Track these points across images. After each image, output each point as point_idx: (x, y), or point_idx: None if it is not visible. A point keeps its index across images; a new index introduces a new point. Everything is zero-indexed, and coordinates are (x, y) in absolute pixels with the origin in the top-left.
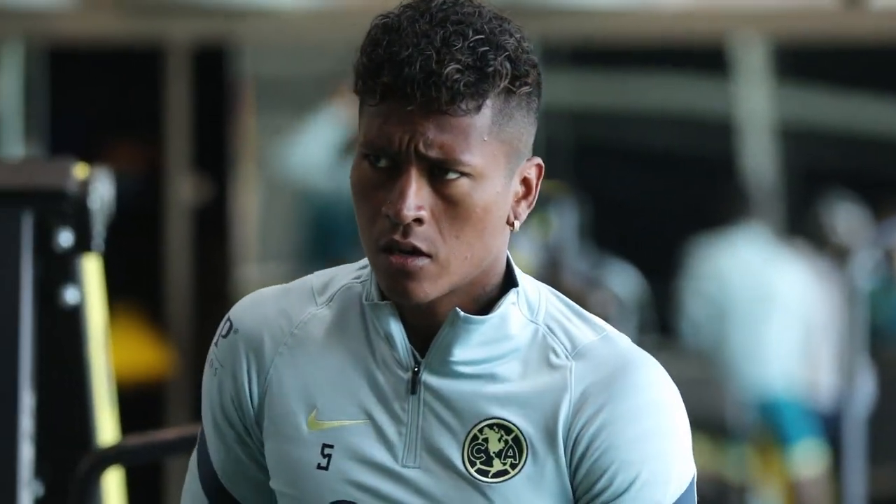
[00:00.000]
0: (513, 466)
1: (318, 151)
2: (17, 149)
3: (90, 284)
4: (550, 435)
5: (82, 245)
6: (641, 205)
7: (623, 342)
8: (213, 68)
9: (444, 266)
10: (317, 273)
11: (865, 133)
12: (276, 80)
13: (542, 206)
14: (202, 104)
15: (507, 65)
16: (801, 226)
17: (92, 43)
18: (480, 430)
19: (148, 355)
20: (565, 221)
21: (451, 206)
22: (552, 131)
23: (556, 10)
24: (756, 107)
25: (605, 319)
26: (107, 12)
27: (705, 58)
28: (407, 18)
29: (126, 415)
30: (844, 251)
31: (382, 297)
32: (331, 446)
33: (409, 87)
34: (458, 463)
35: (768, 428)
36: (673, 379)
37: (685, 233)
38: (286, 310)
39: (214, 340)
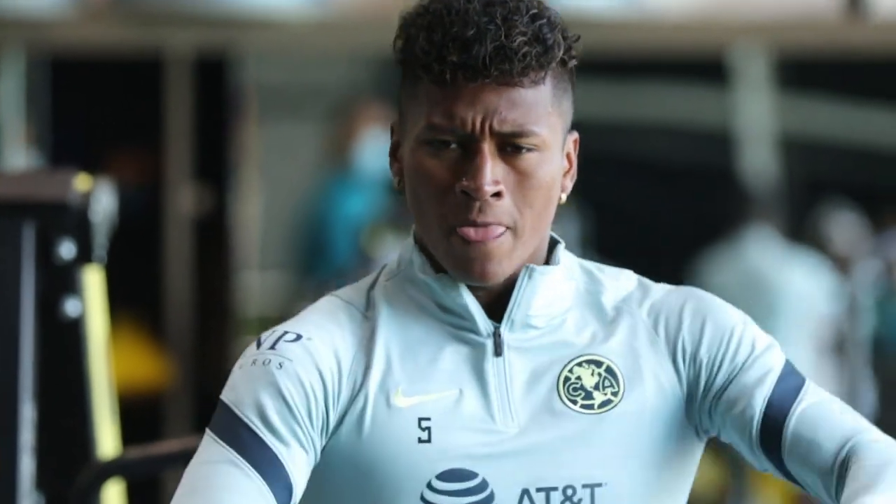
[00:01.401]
0: (614, 395)
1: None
2: (17, 158)
3: (91, 296)
4: (640, 356)
5: (84, 256)
6: (642, 215)
7: (655, 285)
8: (215, 78)
9: (520, 237)
10: (333, 294)
11: (866, 144)
12: (277, 90)
13: None
14: (203, 114)
15: (560, 37)
16: (802, 236)
17: (93, 52)
18: (571, 370)
19: (148, 367)
20: (566, 231)
21: (523, 179)
22: None
23: None
24: (756, 117)
25: None
26: (108, 22)
27: (706, 68)
28: (457, 1)
29: (126, 426)
30: (844, 262)
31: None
32: (427, 419)
33: (482, 62)
34: (560, 405)
35: None
36: None
37: (686, 243)
38: (342, 324)
39: (268, 343)
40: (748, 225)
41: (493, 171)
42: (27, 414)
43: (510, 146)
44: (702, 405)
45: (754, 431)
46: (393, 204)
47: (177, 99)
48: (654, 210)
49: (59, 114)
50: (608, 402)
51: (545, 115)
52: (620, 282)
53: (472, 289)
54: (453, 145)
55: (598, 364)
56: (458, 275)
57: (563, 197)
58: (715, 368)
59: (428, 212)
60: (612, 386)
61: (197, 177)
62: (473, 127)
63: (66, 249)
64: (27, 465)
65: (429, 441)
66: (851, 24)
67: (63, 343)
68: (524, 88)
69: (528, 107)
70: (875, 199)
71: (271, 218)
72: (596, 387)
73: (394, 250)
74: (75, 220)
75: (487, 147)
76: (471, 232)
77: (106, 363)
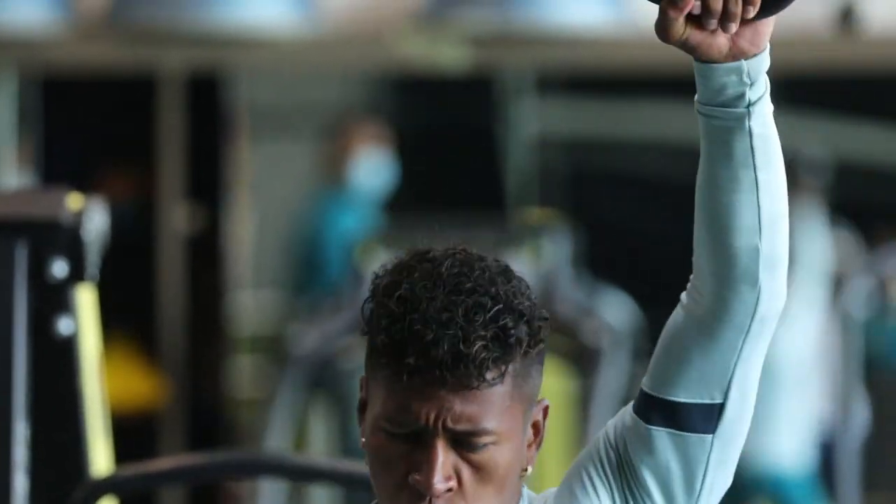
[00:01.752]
0: None
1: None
2: (10, 177)
3: (84, 314)
4: None
5: (76, 275)
6: (637, 233)
7: None
8: (207, 97)
9: None
10: None
11: (859, 160)
12: (269, 109)
13: (535, 235)
14: (195, 132)
15: (524, 329)
16: (794, 253)
17: (85, 72)
18: None
19: (141, 385)
20: (559, 250)
21: (476, 471)
22: (546, 159)
23: (551, 38)
24: None
25: (598, 348)
26: (100, 41)
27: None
28: (422, 288)
29: (120, 444)
30: (838, 279)
31: None
32: None
33: (437, 369)
34: None
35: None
36: None
37: (682, 261)
38: None
39: None
40: None
41: (444, 468)
42: (20, 431)
43: (465, 441)
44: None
45: (637, 418)
46: (385, 221)
47: (169, 117)
48: (649, 228)
49: (52, 132)
50: None
51: (502, 409)
52: None
53: None
54: (409, 435)
55: None
56: None
57: (529, 469)
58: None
59: (384, 495)
60: None
61: (189, 195)
62: (427, 421)
63: (59, 268)
64: (20, 483)
65: None
66: (843, 40)
67: (56, 361)
68: (479, 390)
69: (483, 405)
70: (867, 215)
71: (264, 236)
72: None
73: None
74: (67, 239)
75: (440, 443)
76: None
77: (99, 381)
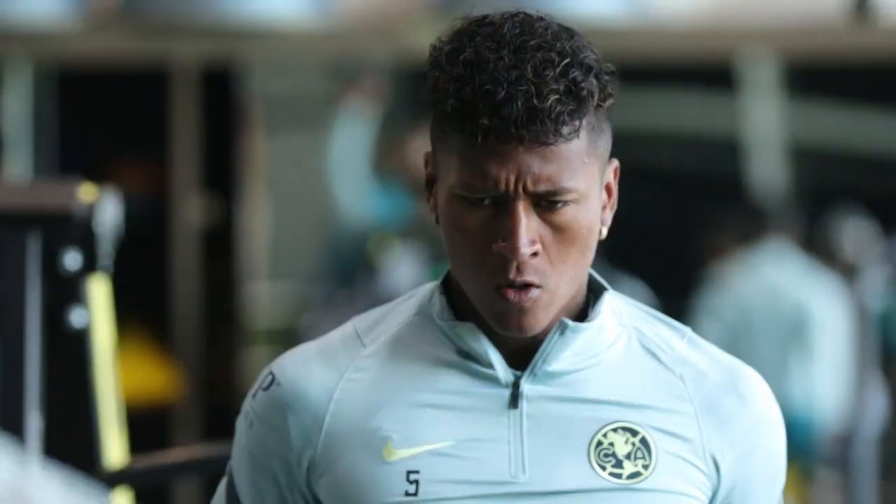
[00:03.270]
0: (645, 468)
1: (350, 154)
2: (24, 170)
3: (97, 306)
4: (680, 438)
5: (89, 266)
6: (649, 224)
7: (710, 347)
8: (221, 89)
9: (555, 292)
10: (358, 317)
11: (875, 150)
12: (282, 100)
13: None
14: (209, 124)
15: (594, 82)
16: (810, 243)
17: (99, 64)
18: (605, 435)
19: (156, 377)
20: None
21: (559, 233)
22: None
23: None
24: (765, 124)
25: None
26: (114, 34)
27: (713, 75)
28: (487, 49)
29: (134, 436)
30: (853, 269)
31: (458, 317)
32: (416, 472)
33: (513, 126)
34: (587, 469)
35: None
36: None
37: (693, 252)
38: (332, 360)
39: (252, 392)
40: (765, 239)
41: (528, 231)
42: (34, 424)
43: (545, 202)
44: None
45: None
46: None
47: (183, 110)
48: (661, 219)
49: (66, 125)
50: (637, 474)
51: (580, 167)
52: (679, 341)
53: (498, 338)
54: (487, 202)
55: (634, 433)
56: (501, 329)
57: (604, 231)
58: (735, 494)
59: (465, 266)
60: (643, 458)
61: (203, 187)
62: (507, 187)
63: (72, 260)
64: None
65: (415, 495)
66: (859, 29)
67: (69, 353)
68: (557, 146)
69: (562, 163)
70: (883, 204)
71: (278, 228)
72: (628, 456)
73: (402, 260)
74: (80, 231)
75: (522, 206)
76: (509, 292)
77: (113, 373)
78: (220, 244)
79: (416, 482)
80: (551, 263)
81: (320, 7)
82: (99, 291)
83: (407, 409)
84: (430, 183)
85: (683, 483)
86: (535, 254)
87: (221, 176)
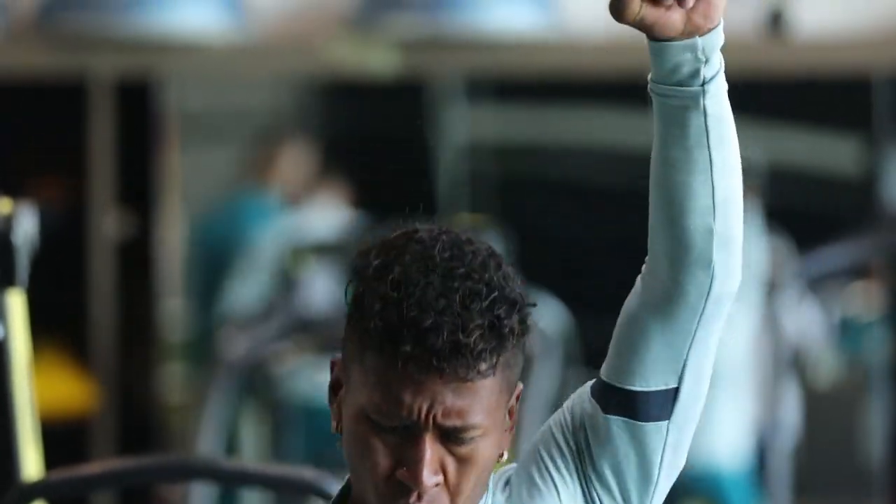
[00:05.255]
0: None
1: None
2: None
3: (14, 319)
4: None
5: (6, 280)
6: (568, 238)
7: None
8: (137, 102)
9: None
10: None
11: (790, 165)
12: (199, 115)
13: None
14: (126, 138)
15: (516, 318)
16: None
17: (15, 77)
18: None
19: (72, 390)
20: None
21: (461, 464)
22: (477, 165)
23: (480, 44)
24: None
25: (529, 354)
26: (30, 46)
27: (629, 90)
28: (415, 272)
29: (50, 450)
30: (768, 284)
31: None
32: None
33: (435, 357)
34: None
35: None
36: None
37: (615, 267)
38: None
39: None
40: None
41: (433, 463)
42: None
43: (452, 436)
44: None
45: (596, 409)
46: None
47: (99, 123)
48: (580, 233)
49: None
50: None
51: (490, 403)
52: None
53: None
54: (396, 428)
55: None
56: None
57: (504, 455)
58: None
59: (366, 485)
60: None
61: (120, 201)
62: (418, 416)
63: None
64: None
65: None
66: (774, 45)
67: None
68: (473, 382)
69: (474, 398)
70: (798, 220)
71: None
72: None
73: (317, 274)
74: None
75: (429, 438)
76: None
77: (29, 387)
78: (137, 258)
79: None
80: (450, 494)
81: (238, 21)
82: (15, 305)
83: None
84: (336, 389)
85: None
86: (436, 484)
87: (137, 190)
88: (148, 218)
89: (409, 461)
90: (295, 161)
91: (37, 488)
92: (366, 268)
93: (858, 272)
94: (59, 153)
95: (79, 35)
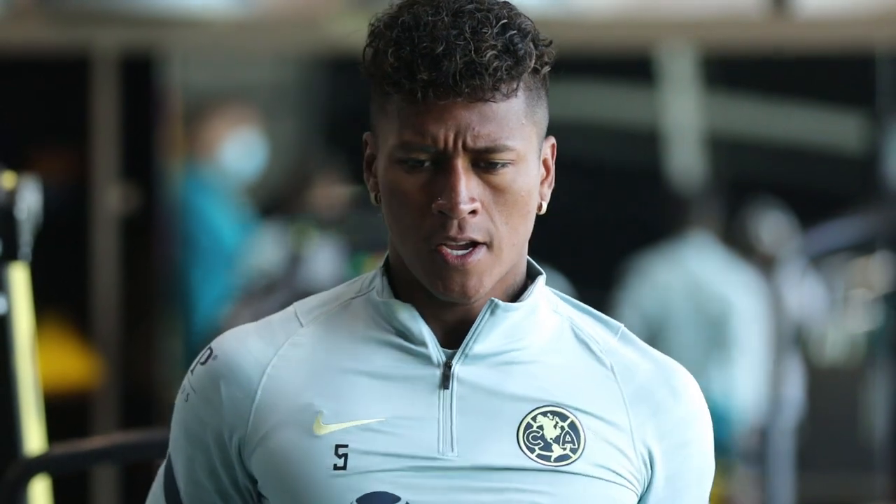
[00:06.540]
0: (573, 451)
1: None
2: None
3: (17, 294)
4: (610, 425)
5: (9, 254)
6: (568, 215)
7: (642, 344)
8: (141, 77)
9: (498, 254)
10: (300, 301)
11: (792, 142)
12: (203, 90)
13: None
14: (129, 113)
15: (531, 45)
16: (728, 235)
17: (18, 52)
18: (534, 418)
19: (75, 364)
20: None
21: (499, 194)
22: None
23: None
24: (683, 116)
25: None
26: (33, 21)
27: (632, 66)
28: (425, 13)
29: (53, 424)
30: (770, 260)
31: (396, 297)
32: (345, 446)
33: (452, 79)
34: (515, 450)
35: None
36: None
37: (612, 243)
38: (269, 336)
39: (191, 368)
40: (687, 230)
41: (468, 189)
42: None
43: (484, 161)
44: None
45: None
46: (247, 208)
47: (103, 98)
48: (580, 210)
49: None
50: (565, 457)
51: (519, 127)
52: (611, 336)
53: (432, 317)
54: (427, 163)
55: (564, 418)
56: (437, 292)
57: (544, 206)
58: (667, 488)
59: (406, 231)
60: (572, 443)
61: (123, 176)
62: (446, 144)
63: None
64: None
65: (344, 468)
66: (777, 21)
67: None
68: (496, 103)
69: (500, 121)
70: (801, 197)
71: None
72: (556, 440)
73: (320, 249)
74: (0, 218)
75: (461, 164)
76: (450, 255)
77: (32, 361)
78: (140, 233)
79: (345, 456)
80: (493, 222)
81: None
82: (18, 279)
83: (340, 385)
84: (370, 164)
85: (611, 469)
86: (474, 212)
87: (141, 164)
88: (151, 192)
89: (443, 189)
90: (327, 194)
91: (39, 462)
92: (378, 25)
93: (861, 248)
94: (62, 128)
95: (82, 10)
